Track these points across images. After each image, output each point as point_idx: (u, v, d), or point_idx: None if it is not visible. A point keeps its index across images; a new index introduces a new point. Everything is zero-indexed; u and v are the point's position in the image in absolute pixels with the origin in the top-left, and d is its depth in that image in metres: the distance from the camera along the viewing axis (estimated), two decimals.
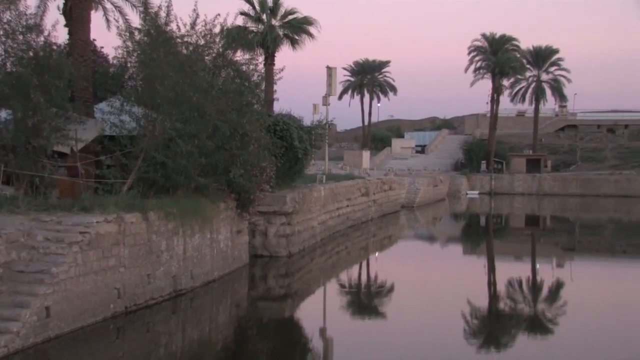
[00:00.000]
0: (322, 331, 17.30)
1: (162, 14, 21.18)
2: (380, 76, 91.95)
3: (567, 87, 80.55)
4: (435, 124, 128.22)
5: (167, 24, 21.09)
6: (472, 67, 75.72)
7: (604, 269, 29.49)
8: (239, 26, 34.57)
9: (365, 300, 22.33)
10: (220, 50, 22.65)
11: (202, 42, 21.73)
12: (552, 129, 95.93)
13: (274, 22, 42.88)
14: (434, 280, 25.44)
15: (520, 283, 25.03)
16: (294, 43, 44.18)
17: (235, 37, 24.43)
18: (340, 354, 15.41)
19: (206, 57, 22.01)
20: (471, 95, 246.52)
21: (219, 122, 20.44)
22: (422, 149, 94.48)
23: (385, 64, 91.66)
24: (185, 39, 21.43)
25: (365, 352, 15.28)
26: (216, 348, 16.04)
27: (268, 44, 41.24)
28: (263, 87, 26.03)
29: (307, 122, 31.61)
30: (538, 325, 18.76)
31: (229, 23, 23.29)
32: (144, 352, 15.18)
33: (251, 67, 24.17)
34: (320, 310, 19.93)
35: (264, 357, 15.27)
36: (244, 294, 22.29)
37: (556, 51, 79.48)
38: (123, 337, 15.53)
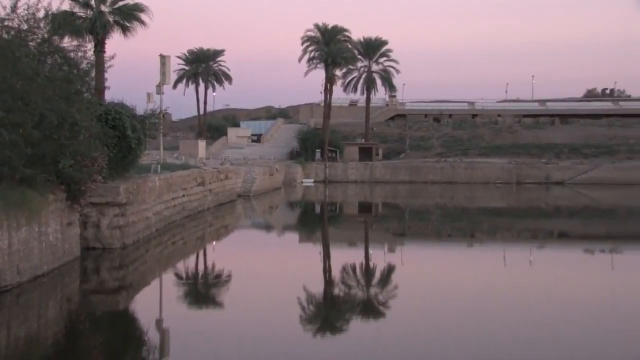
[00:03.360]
0: (159, 323, 17.03)
1: None
2: (216, 65, 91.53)
3: (397, 78, 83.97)
4: (271, 114, 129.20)
5: None
6: (306, 58, 77.14)
7: (433, 252, 30.96)
8: (66, 11, 33.22)
9: (203, 291, 22.21)
10: (46, 36, 21.65)
11: (25, 27, 20.67)
12: (383, 118, 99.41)
13: (103, 8, 41.61)
14: (271, 268, 25.67)
15: (354, 269, 25.73)
16: (125, 30, 43.09)
17: (61, 22, 23.40)
18: (177, 345, 15.24)
19: (30, 43, 20.97)
20: (306, 85, 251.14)
21: (46, 111, 19.55)
22: (258, 139, 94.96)
23: (220, 53, 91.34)
24: (6, 23, 20.31)
25: (203, 343, 15.21)
26: (46, 344, 15.39)
27: (98, 30, 40.03)
28: (93, 75, 25.21)
29: (141, 111, 30.89)
30: (371, 309, 19.41)
31: (54, 8, 22.38)
32: None
33: (80, 54, 23.32)
34: (156, 302, 19.60)
35: (98, 352, 14.83)
36: (75, 288, 21.52)
37: (385, 43, 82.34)
38: None
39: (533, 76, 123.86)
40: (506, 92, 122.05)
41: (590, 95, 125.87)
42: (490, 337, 15.79)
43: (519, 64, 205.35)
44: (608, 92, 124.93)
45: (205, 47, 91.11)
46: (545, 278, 23.90)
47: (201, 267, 26.82)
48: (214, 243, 33.06)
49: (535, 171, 75.81)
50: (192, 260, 28.53)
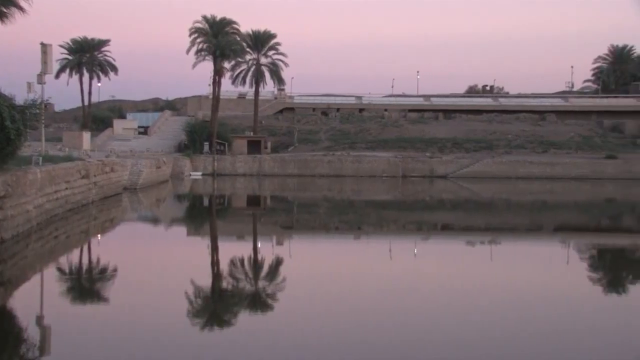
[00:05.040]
0: (39, 319, 16.53)
1: None
2: (100, 55, 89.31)
3: (285, 71, 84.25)
4: (158, 105, 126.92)
5: None
6: (194, 49, 76.29)
7: (320, 245, 31.32)
8: None
9: (87, 285, 21.66)
10: None
11: None
12: (271, 111, 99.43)
13: None
14: (158, 262, 25.36)
15: (242, 262, 25.73)
16: (2, 16, 41.24)
17: None
18: (58, 341, 14.85)
19: None
20: (194, 77, 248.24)
21: None
22: (145, 131, 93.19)
23: (105, 42, 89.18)
24: None
25: (86, 339, 14.90)
26: None
27: None
28: None
29: (20, 101, 29.73)
30: (259, 302, 19.45)
31: None
32: None
33: None
34: (37, 298, 18.98)
35: None
36: None
37: (274, 36, 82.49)
38: None
39: (418, 72, 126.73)
40: (392, 86, 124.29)
41: (472, 92, 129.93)
42: (374, 328, 16.17)
43: (404, 59, 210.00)
44: (488, 88, 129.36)
45: (90, 37, 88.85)
46: (427, 269, 24.65)
47: (85, 262, 26.16)
48: (99, 237, 32.30)
49: (419, 165, 77.71)
50: (75, 254, 27.80)
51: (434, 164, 77.81)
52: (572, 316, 17.73)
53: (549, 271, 24.53)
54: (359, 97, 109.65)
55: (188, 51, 76.50)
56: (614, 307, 19.66)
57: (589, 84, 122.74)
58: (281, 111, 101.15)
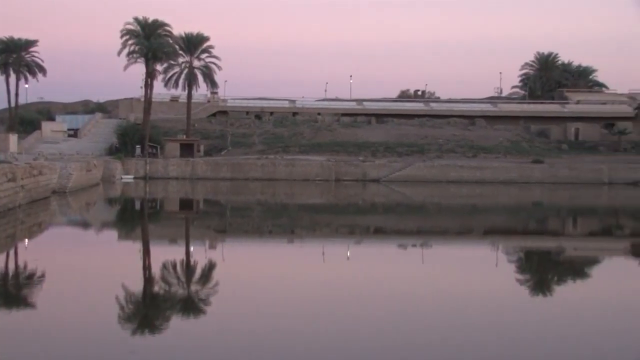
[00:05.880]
0: None
1: None
2: (28, 56, 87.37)
3: (218, 74, 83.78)
4: (89, 107, 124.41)
5: None
6: (126, 51, 75.49)
7: (253, 248, 31.33)
8: None
9: (13, 291, 21.20)
10: None
11: None
12: (204, 114, 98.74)
13: None
14: (88, 266, 24.95)
15: (175, 266, 25.53)
16: None
17: None
18: None
19: None
20: (125, 79, 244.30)
21: None
22: (75, 133, 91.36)
23: (32, 42, 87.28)
24: None
25: (12, 346, 14.60)
26: None
27: None
28: None
29: None
30: (191, 306, 19.36)
31: None
32: None
33: None
34: None
35: None
36: None
37: (207, 38, 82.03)
38: None
39: (351, 76, 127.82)
40: (325, 91, 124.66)
41: (404, 96, 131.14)
42: (308, 330, 16.29)
43: (337, 63, 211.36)
44: (420, 93, 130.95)
45: (17, 36, 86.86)
46: (361, 272, 24.90)
47: (11, 267, 25.53)
48: (26, 241, 31.58)
49: (352, 168, 78.19)
50: (0, 259, 27.11)
51: (366, 167, 78.42)
52: (503, 316, 18.16)
53: (479, 273, 25.07)
54: (292, 101, 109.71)
55: (119, 53, 75.63)
56: (550, 308, 20.24)
57: (517, 90, 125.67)
58: (214, 114, 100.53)
